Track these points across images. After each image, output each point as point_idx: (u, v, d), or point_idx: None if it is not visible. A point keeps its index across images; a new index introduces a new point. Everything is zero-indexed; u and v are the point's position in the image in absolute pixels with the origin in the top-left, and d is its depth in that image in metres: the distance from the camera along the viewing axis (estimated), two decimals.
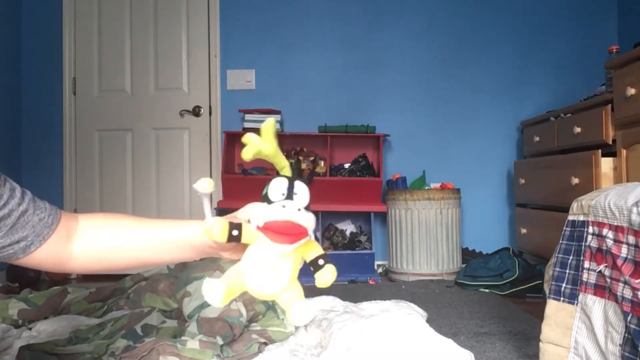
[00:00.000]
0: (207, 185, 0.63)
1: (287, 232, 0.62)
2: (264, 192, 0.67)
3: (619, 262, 1.01)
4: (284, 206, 0.63)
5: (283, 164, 0.67)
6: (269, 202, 0.65)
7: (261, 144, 0.63)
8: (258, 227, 0.63)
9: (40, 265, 0.77)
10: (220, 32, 3.29)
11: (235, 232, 0.64)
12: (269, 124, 0.64)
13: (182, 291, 1.54)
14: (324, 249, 2.95)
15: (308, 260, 0.66)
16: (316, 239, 3.00)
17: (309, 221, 0.64)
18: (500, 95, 3.27)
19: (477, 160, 3.26)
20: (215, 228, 0.63)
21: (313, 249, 0.67)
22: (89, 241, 0.79)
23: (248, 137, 0.63)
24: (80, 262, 0.79)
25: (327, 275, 0.65)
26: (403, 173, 3.12)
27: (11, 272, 2.87)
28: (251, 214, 0.66)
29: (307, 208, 0.66)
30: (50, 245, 0.75)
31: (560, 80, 3.26)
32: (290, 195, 0.65)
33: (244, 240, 0.65)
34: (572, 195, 1.42)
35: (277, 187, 0.65)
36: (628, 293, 0.99)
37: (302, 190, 0.66)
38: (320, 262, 0.65)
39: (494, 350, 1.53)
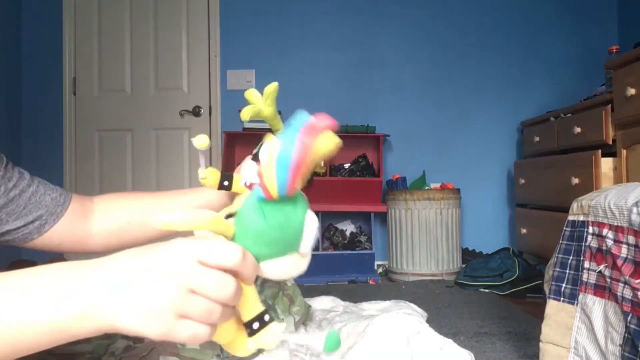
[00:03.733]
0: (202, 142, 0.64)
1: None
2: (255, 150, 0.70)
3: (619, 262, 1.01)
4: None
5: (279, 126, 0.69)
6: (257, 161, 0.67)
7: (261, 106, 0.66)
8: (245, 185, 0.65)
9: (60, 245, 0.77)
10: (220, 32, 3.29)
11: (225, 183, 0.67)
12: (273, 88, 0.67)
13: None
14: (324, 248, 2.96)
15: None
16: (316, 239, 2.99)
17: None
18: (500, 95, 3.27)
19: (477, 161, 3.26)
20: (208, 178, 0.66)
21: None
22: (107, 217, 0.79)
23: (251, 94, 0.66)
24: (100, 238, 0.79)
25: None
26: (403, 173, 3.12)
27: (12, 270, 2.87)
28: (241, 170, 0.68)
29: None
30: (65, 223, 0.75)
31: (560, 80, 3.26)
32: None
33: (234, 189, 0.67)
34: (572, 195, 1.42)
35: (267, 149, 0.66)
36: (628, 293, 0.99)
37: None
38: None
39: (494, 350, 1.53)
